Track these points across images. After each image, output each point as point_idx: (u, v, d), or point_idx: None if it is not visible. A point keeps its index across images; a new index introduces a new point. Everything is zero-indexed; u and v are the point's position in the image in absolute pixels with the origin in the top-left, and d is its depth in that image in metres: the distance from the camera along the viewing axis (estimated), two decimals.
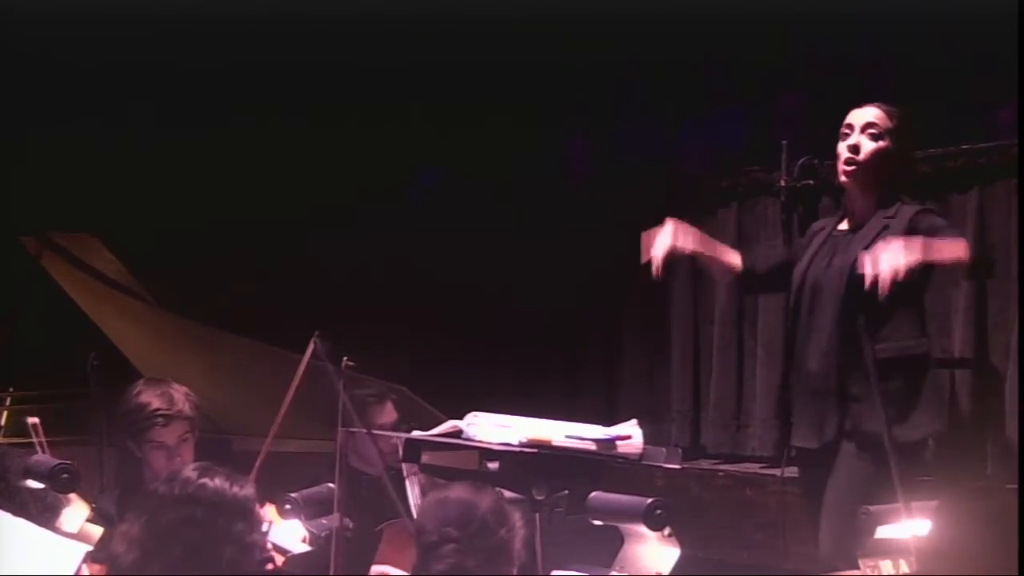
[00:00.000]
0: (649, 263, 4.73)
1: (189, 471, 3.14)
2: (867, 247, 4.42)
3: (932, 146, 6.32)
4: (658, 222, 5.56)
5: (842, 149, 4.62)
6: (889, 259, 4.21)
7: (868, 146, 4.57)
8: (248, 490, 3.13)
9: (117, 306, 6.88)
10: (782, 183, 5.45)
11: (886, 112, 4.62)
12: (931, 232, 4.43)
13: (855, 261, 4.44)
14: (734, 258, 4.86)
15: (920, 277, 4.37)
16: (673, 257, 4.66)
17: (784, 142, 5.47)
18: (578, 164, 8.24)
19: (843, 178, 4.61)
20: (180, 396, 4.62)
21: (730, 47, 8.39)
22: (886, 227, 4.50)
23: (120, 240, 7.27)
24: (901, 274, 4.20)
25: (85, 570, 3.49)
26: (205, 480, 3.09)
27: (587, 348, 7.46)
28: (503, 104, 8.67)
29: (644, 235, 4.73)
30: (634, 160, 8.16)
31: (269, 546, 3.31)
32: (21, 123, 8.64)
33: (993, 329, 5.98)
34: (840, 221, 4.70)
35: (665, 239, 4.66)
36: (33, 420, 3.94)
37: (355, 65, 8.89)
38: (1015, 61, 6.35)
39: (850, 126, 4.63)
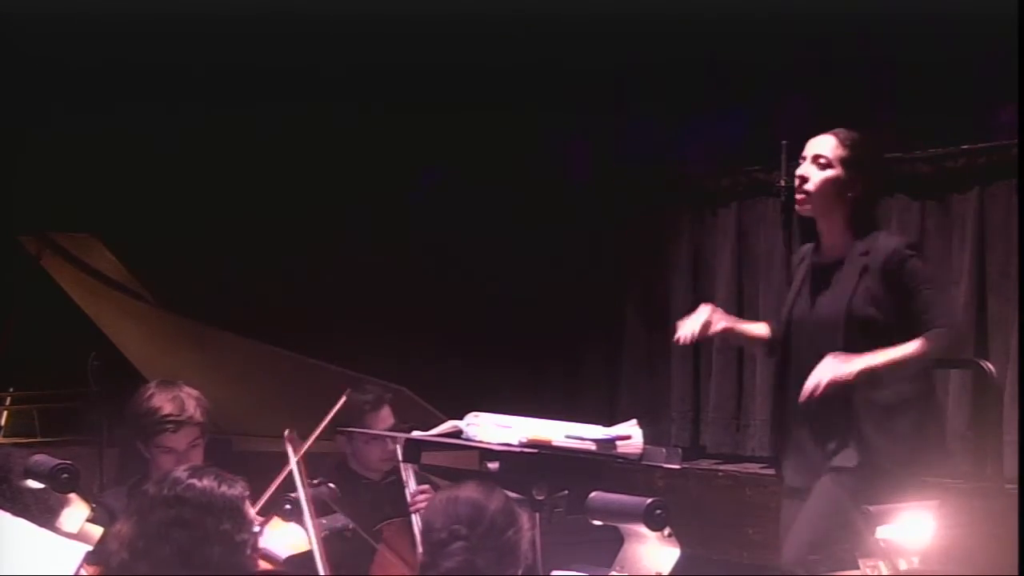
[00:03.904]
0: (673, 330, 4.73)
1: (179, 472, 3.14)
2: (852, 294, 4.40)
3: (932, 146, 6.33)
4: (658, 222, 5.62)
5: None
6: (828, 371, 4.26)
7: (816, 176, 4.53)
8: (237, 489, 3.13)
9: (117, 306, 6.88)
10: (782, 183, 5.43)
11: (840, 140, 4.55)
12: (909, 279, 4.39)
13: (839, 308, 4.44)
14: (762, 330, 4.81)
15: (903, 324, 4.36)
16: (703, 336, 4.64)
17: (784, 142, 5.46)
18: (578, 164, 8.24)
19: (797, 208, 4.61)
20: (191, 402, 4.60)
21: (730, 47, 8.39)
22: (865, 268, 4.44)
23: (120, 240, 7.28)
24: (839, 383, 4.26)
25: (85, 570, 3.49)
26: (194, 480, 3.09)
27: (587, 348, 7.47)
28: (503, 104, 8.66)
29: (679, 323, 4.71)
30: (634, 160, 8.16)
31: (260, 545, 3.31)
32: (21, 123, 8.64)
33: (993, 329, 5.98)
34: (817, 247, 4.65)
35: (697, 321, 4.64)
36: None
37: (355, 65, 8.89)
38: (1015, 61, 6.36)
39: (803, 158, 4.61)
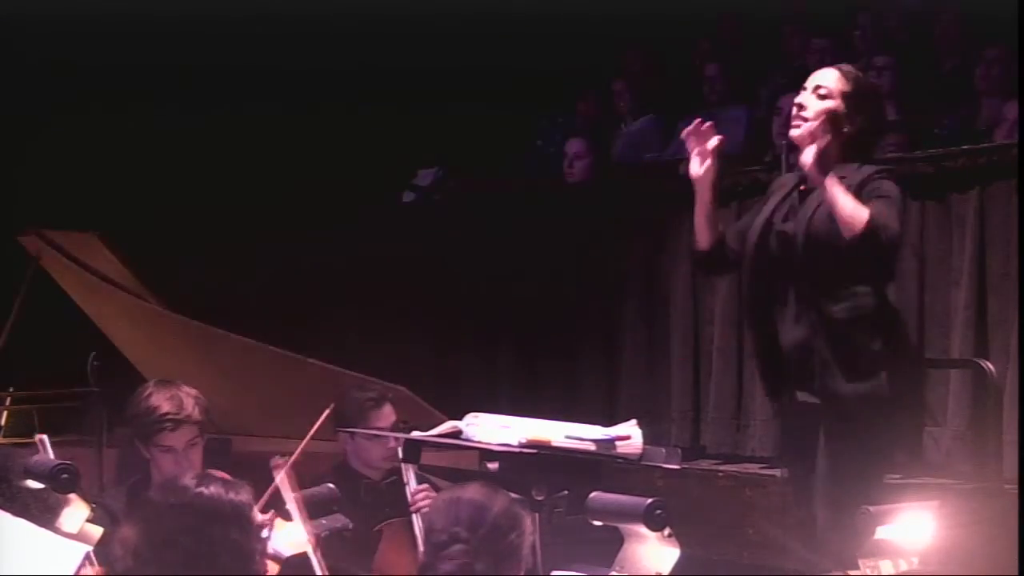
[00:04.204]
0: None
1: (187, 479, 3.12)
2: (813, 213, 4.40)
3: (932, 146, 6.33)
4: (658, 222, 5.60)
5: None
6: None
7: (815, 105, 4.53)
8: (244, 496, 3.10)
9: (117, 306, 6.88)
10: None
11: (843, 74, 4.55)
12: (872, 194, 4.37)
13: (799, 228, 4.44)
14: (713, 229, 4.79)
15: (866, 241, 4.32)
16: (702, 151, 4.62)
17: (784, 142, 5.47)
18: (577, 164, 8.24)
19: (791, 133, 4.59)
20: (190, 400, 4.60)
21: (729, 47, 8.41)
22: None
23: (120, 239, 7.28)
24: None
25: (85, 570, 3.49)
26: (201, 488, 3.06)
27: (587, 348, 7.46)
28: (503, 104, 8.67)
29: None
30: (634, 160, 8.17)
31: (269, 552, 3.30)
32: (22, 123, 8.65)
33: (993, 329, 5.98)
34: (801, 182, 4.64)
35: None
36: (41, 436, 3.94)
37: (355, 65, 8.89)
38: (1015, 61, 6.36)
39: (803, 88, 4.62)
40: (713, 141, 4.61)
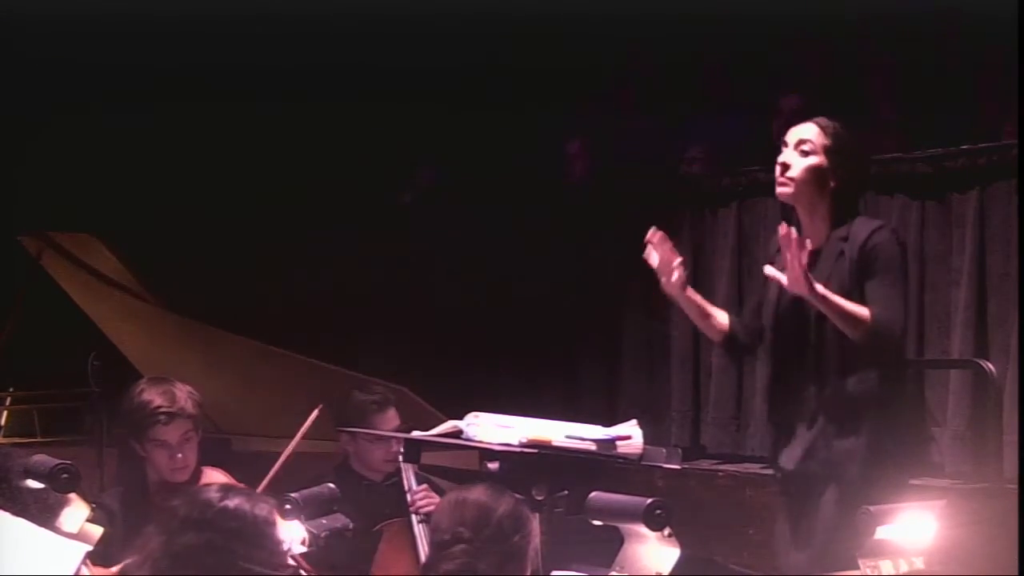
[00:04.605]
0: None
1: (211, 492, 3.07)
2: (825, 284, 4.34)
3: (932, 146, 6.33)
4: (658, 222, 5.48)
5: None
6: (793, 281, 4.26)
7: (799, 163, 4.47)
8: (267, 510, 3.08)
9: (117, 306, 6.88)
10: None
11: (822, 128, 4.50)
12: (873, 266, 4.34)
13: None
14: (720, 317, 4.69)
15: (871, 340, 4.31)
16: (663, 269, 4.57)
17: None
18: (577, 164, 8.24)
19: (779, 192, 4.58)
20: (183, 394, 4.60)
21: (730, 47, 8.40)
22: (841, 253, 4.41)
23: (120, 240, 7.28)
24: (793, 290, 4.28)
25: (85, 570, 3.49)
26: (226, 503, 3.02)
27: (587, 348, 7.46)
28: (502, 104, 8.67)
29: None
30: (634, 160, 8.16)
31: (289, 563, 3.29)
32: (22, 123, 8.65)
33: (993, 329, 5.98)
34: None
35: (659, 257, 4.57)
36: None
37: (355, 65, 8.89)
38: (1015, 61, 6.36)
39: (784, 143, 4.58)
40: (676, 261, 4.51)
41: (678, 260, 4.53)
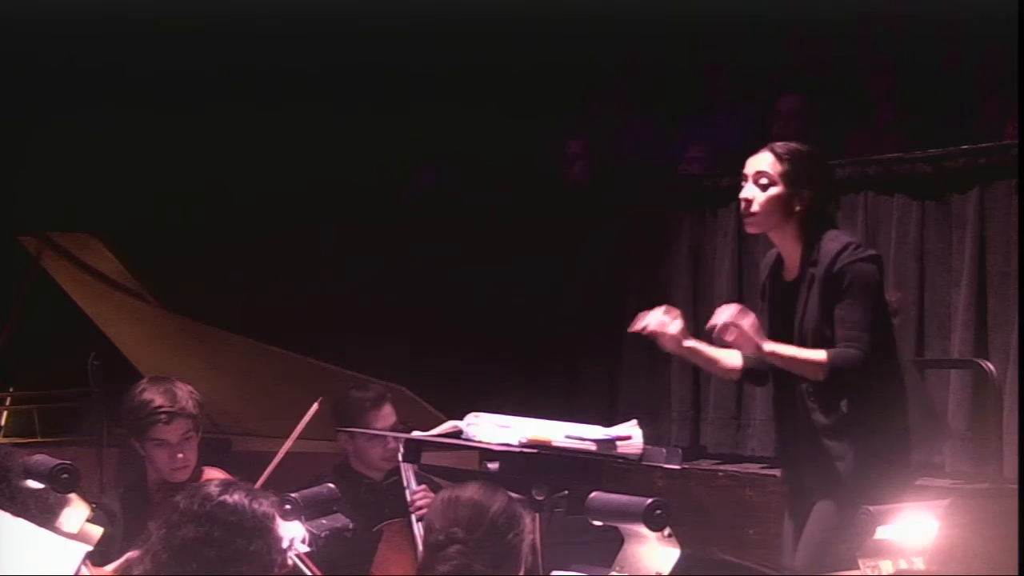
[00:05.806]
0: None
1: (211, 487, 3.08)
2: (802, 314, 4.36)
3: (932, 146, 6.33)
4: (658, 222, 5.59)
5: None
6: (743, 340, 4.27)
7: (759, 197, 4.45)
8: (268, 506, 3.08)
9: (117, 306, 6.88)
10: None
11: (777, 156, 4.46)
12: (847, 285, 4.29)
13: (791, 331, 4.39)
14: (731, 359, 4.61)
15: (835, 377, 4.29)
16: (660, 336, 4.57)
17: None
18: (577, 164, 8.24)
19: (747, 229, 4.57)
20: (183, 394, 4.60)
21: (729, 47, 8.40)
22: (812, 279, 4.36)
23: (121, 240, 7.28)
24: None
25: (85, 570, 3.49)
26: (225, 497, 3.02)
27: (587, 348, 7.46)
28: (502, 104, 8.67)
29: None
30: (634, 160, 8.17)
31: (290, 562, 3.29)
32: (22, 123, 8.65)
33: (993, 329, 5.98)
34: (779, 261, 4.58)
35: (655, 319, 4.57)
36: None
37: (356, 65, 8.90)
38: (1015, 61, 6.36)
39: (745, 176, 4.55)
40: (675, 326, 4.51)
41: (672, 318, 4.51)
